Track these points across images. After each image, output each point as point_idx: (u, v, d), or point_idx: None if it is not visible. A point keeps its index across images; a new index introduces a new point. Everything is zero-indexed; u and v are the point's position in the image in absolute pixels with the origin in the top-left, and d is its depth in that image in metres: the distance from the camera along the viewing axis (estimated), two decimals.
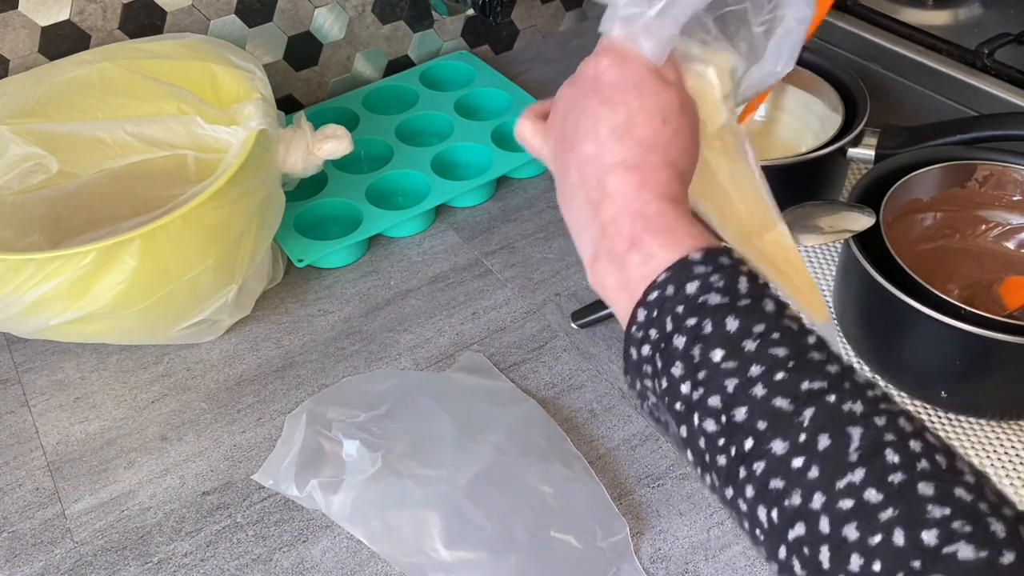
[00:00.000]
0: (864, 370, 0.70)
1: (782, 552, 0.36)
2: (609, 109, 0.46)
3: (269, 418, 0.70)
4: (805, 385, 0.37)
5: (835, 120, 0.79)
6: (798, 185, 0.77)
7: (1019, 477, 0.63)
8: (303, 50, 0.99)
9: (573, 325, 0.76)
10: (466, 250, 0.85)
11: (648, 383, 0.42)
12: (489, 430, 0.64)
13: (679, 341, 0.39)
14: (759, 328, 0.38)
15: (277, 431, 0.68)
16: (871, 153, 0.75)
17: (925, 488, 0.33)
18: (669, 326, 0.40)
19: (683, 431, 0.40)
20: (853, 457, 0.35)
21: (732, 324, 0.38)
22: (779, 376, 0.37)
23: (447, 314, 0.78)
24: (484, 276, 0.82)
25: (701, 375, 0.38)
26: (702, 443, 0.39)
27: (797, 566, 0.35)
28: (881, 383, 0.69)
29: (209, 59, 0.81)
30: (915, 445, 0.35)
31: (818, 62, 0.84)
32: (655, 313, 0.40)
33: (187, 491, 0.65)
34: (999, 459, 0.64)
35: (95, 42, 0.87)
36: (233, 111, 0.76)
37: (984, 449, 0.65)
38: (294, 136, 0.77)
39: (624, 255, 0.43)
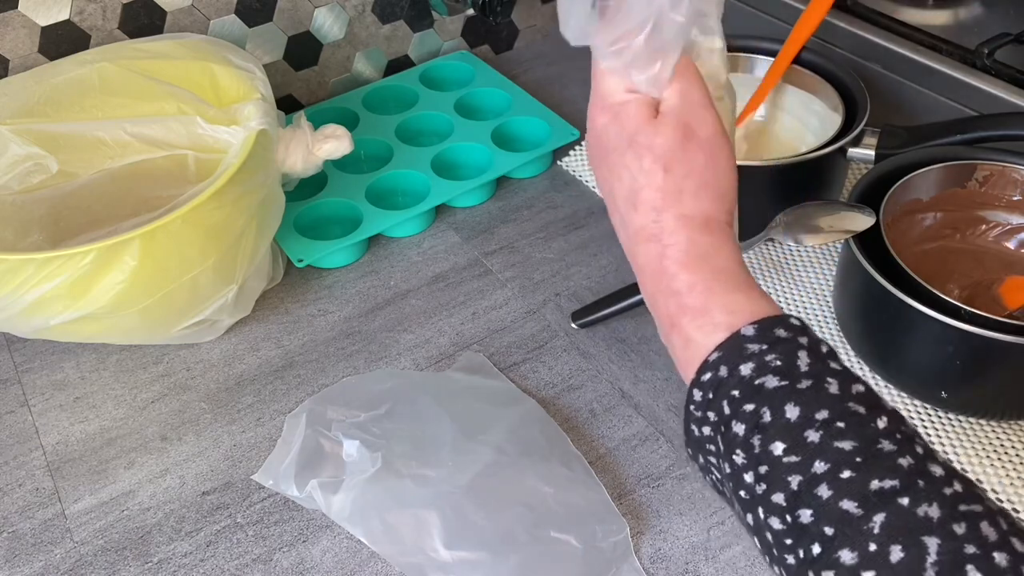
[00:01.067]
0: (864, 370, 0.70)
1: None
2: (616, 179, 0.44)
3: (269, 418, 0.70)
4: (875, 484, 0.33)
5: (835, 120, 0.79)
6: (798, 185, 0.77)
7: (1019, 477, 0.63)
8: (303, 50, 0.99)
9: (573, 325, 0.76)
10: (466, 250, 0.85)
11: (712, 460, 0.39)
12: (489, 430, 0.64)
13: (738, 428, 0.37)
14: (822, 415, 0.35)
15: (277, 431, 0.68)
16: (871, 153, 0.75)
17: None
18: (727, 410, 0.37)
19: (750, 519, 0.37)
20: (930, 573, 0.31)
21: (792, 412, 0.35)
22: (845, 475, 0.34)
23: (447, 314, 0.78)
24: (484, 276, 0.82)
25: (763, 469, 0.36)
26: (769, 537, 0.36)
27: None
28: (881, 384, 0.69)
29: (209, 59, 0.81)
30: (1000, 559, 0.31)
31: (818, 62, 0.84)
32: (711, 395, 0.38)
33: (187, 491, 0.65)
34: (999, 459, 0.64)
35: (95, 42, 0.87)
36: (233, 111, 0.76)
37: (984, 449, 0.65)
38: (294, 136, 0.77)
39: (668, 336, 0.41)
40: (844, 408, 0.35)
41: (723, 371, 0.37)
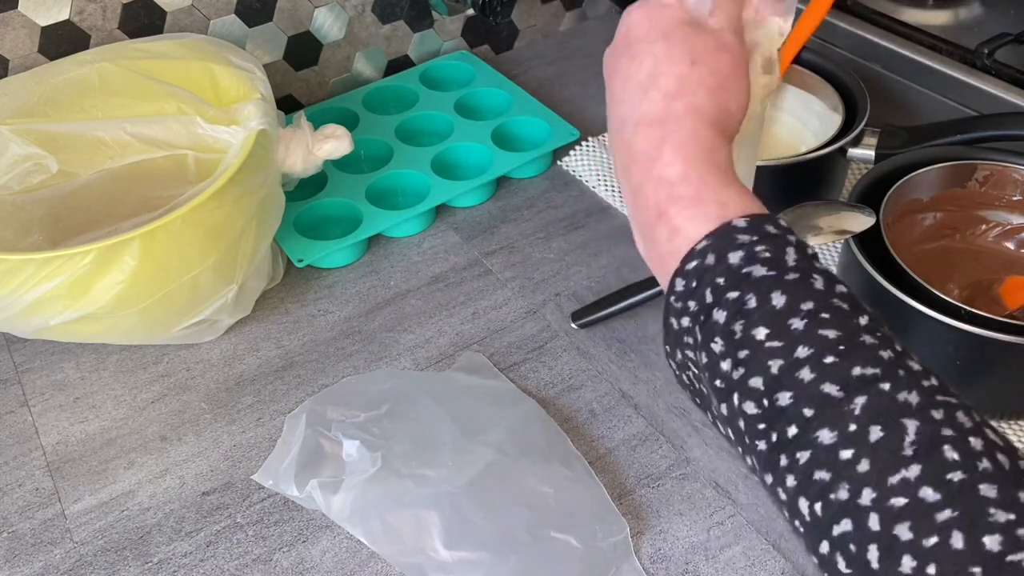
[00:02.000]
0: None
1: (824, 547, 0.34)
2: (636, 65, 0.43)
3: (269, 418, 0.70)
4: (856, 371, 0.34)
5: (835, 120, 0.79)
6: (798, 185, 0.77)
7: None
8: (303, 50, 0.99)
9: (573, 325, 0.76)
10: (466, 250, 0.85)
11: (689, 354, 0.39)
12: (489, 430, 0.64)
13: (720, 315, 0.36)
14: (807, 306, 0.35)
15: (277, 431, 0.68)
16: (871, 153, 0.75)
17: (987, 490, 0.31)
18: (709, 298, 0.37)
19: (723, 409, 0.37)
20: (908, 452, 0.32)
21: (778, 300, 0.35)
22: (828, 360, 0.34)
23: (447, 314, 0.78)
24: (484, 276, 0.82)
25: (743, 354, 0.36)
26: (742, 424, 0.36)
27: (842, 563, 0.33)
28: None
29: (209, 59, 0.81)
30: (975, 443, 0.32)
31: (818, 62, 0.84)
32: (694, 284, 0.37)
33: (187, 491, 0.65)
34: None
35: (95, 42, 0.87)
36: (233, 111, 0.76)
37: None
38: (294, 136, 0.77)
39: (653, 228, 0.40)
40: (829, 303, 0.36)
41: (710, 259, 0.37)
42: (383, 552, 0.60)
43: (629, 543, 0.60)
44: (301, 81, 1.01)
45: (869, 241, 0.65)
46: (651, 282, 0.75)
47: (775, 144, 0.87)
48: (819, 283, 0.36)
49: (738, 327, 0.36)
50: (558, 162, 0.94)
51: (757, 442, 0.36)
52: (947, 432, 0.32)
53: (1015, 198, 0.72)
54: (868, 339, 0.35)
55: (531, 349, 0.74)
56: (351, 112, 0.96)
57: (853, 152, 0.76)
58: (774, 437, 0.35)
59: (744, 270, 0.36)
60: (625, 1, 1.09)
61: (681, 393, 0.70)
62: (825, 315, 0.35)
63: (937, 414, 0.33)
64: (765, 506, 0.62)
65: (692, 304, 0.38)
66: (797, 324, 0.35)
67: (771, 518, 0.62)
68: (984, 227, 0.74)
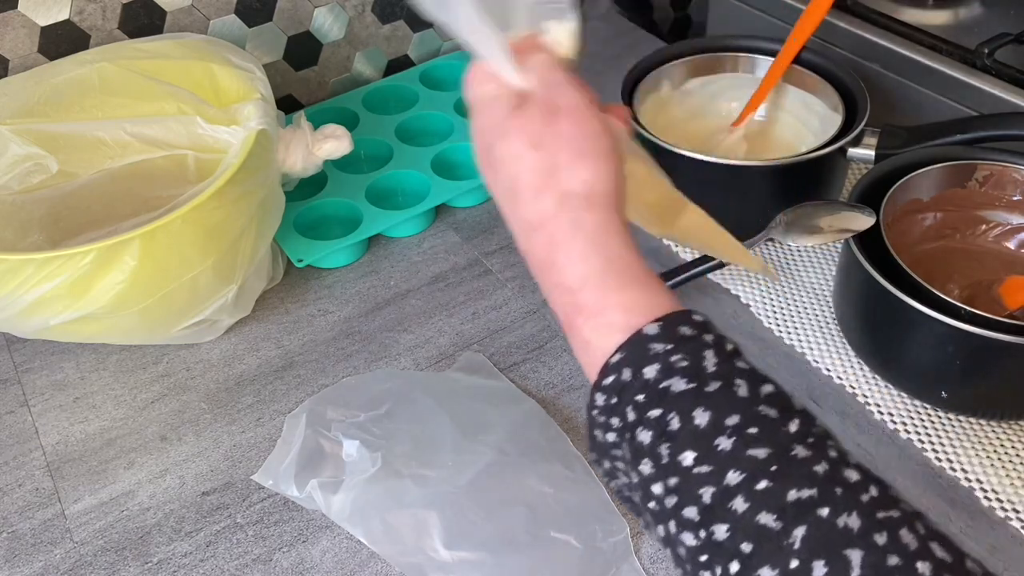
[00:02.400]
0: (864, 370, 0.70)
1: None
2: (495, 175, 0.42)
3: (269, 418, 0.70)
4: (792, 495, 0.32)
5: (835, 120, 0.79)
6: (798, 185, 0.77)
7: (1019, 477, 0.63)
8: (303, 50, 0.99)
9: None
10: (466, 250, 0.85)
11: (620, 465, 0.37)
12: (489, 430, 0.64)
13: (645, 436, 0.35)
14: (733, 420, 0.33)
15: (277, 431, 0.68)
16: (871, 153, 0.75)
17: None
18: (631, 416, 0.35)
19: (660, 531, 0.36)
20: None
21: (702, 418, 0.33)
22: (761, 485, 0.32)
23: (447, 314, 0.78)
24: (484, 276, 0.82)
25: (672, 481, 0.34)
26: (683, 552, 0.34)
27: None
28: (881, 384, 0.69)
29: (209, 59, 0.81)
30: (923, 568, 0.30)
31: (818, 62, 0.84)
32: (614, 400, 0.36)
33: (187, 491, 0.65)
34: (999, 459, 0.64)
35: (95, 42, 0.86)
36: (233, 111, 0.76)
37: (984, 449, 0.65)
38: (294, 136, 0.77)
39: (569, 337, 0.39)
40: (755, 412, 0.34)
41: (626, 374, 0.36)
42: (383, 552, 0.60)
43: (629, 543, 0.60)
44: (301, 81, 1.01)
45: (869, 241, 0.65)
46: None
47: (775, 144, 0.87)
48: (743, 389, 0.35)
49: (664, 450, 0.34)
50: None
51: (701, 572, 0.34)
52: (893, 561, 0.31)
53: (1015, 198, 0.72)
54: (800, 451, 0.33)
55: (531, 349, 0.74)
56: (351, 112, 0.96)
57: (853, 152, 0.76)
58: (719, 571, 0.33)
59: (662, 385, 0.35)
60: (625, 2, 1.09)
61: None
62: (752, 429, 0.33)
63: (880, 538, 0.31)
64: None
65: (615, 421, 0.36)
66: (724, 444, 0.33)
67: None
68: (984, 227, 0.74)
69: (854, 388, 0.70)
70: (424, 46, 1.07)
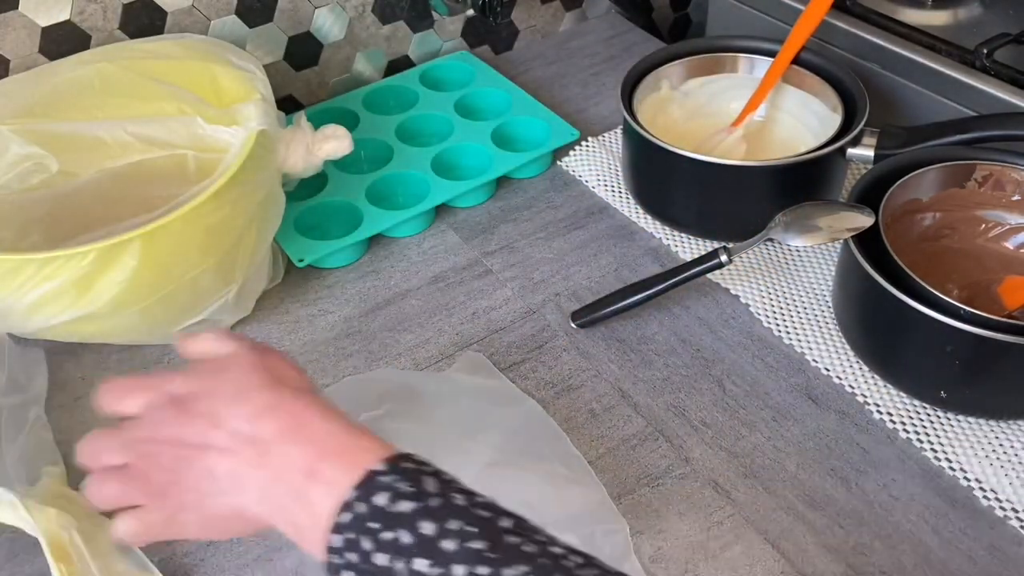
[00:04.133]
0: (863, 370, 0.70)
1: None
2: (188, 466, 0.46)
3: None
4: (508, 573, 0.37)
5: (834, 120, 0.79)
6: (798, 185, 0.77)
7: (1019, 477, 0.63)
8: (303, 50, 0.99)
9: (573, 325, 0.76)
10: (466, 250, 0.85)
11: None
12: (489, 430, 0.64)
13: (382, 559, 0.39)
14: (454, 525, 0.39)
15: None
16: (870, 153, 0.75)
17: None
18: (368, 545, 0.39)
19: None
20: None
21: (428, 528, 0.39)
22: (483, 571, 0.38)
23: (447, 314, 0.78)
24: (484, 276, 0.82)
25: None
26: None
27: None
28: (880, 384, 0.70)
29: (209, 59, 0.81)
30: None
31: (817, 62, 0.84)
32: (352, 535, 0.40)
33: None
34: (999, 459, 0.64)
35: (95, 42, 0.87)
36: (233, 111, 0.76)
37: (984, 449, 0.65)
38: (294, 136, 0.77)
39: (291, 516, 0.43)
40: (473, 515, 0.40)
41: (361, 507, 0.40)
42: None
43: (629, 543, 0.60)
44: (301, 81, 1.01)
45: (869, 241, 0.65)
46: (651, 282, 0.75)
47: (775, 144, 0.87)
48: (460, 500, 0.40)
49: (400, 565, 0.39)
50: (558, 162, 0.94)
51: None
52: None
53: (1014, 198, 0.72)
54: (513, 539, 0.39)
55: (531, 349, 0.75)
56: (351, 112, 0.96)
57: (852, 152, 0.76)
58: None
59: (391, 509, 0.40)
60: (625, 2, 1.09)
61: (680, 392, 0.70)
62: (472, 528, 0.39)
63: None
64: (764, 506, 0.63)
65: (353, 556, 0.40)
66: (449, 545, 0.38)
67: (770, 518, 0.62)
68: (983, 227, 0.74)
69: (853, 388, 0.70)
70: (424, 47, 1.07)
